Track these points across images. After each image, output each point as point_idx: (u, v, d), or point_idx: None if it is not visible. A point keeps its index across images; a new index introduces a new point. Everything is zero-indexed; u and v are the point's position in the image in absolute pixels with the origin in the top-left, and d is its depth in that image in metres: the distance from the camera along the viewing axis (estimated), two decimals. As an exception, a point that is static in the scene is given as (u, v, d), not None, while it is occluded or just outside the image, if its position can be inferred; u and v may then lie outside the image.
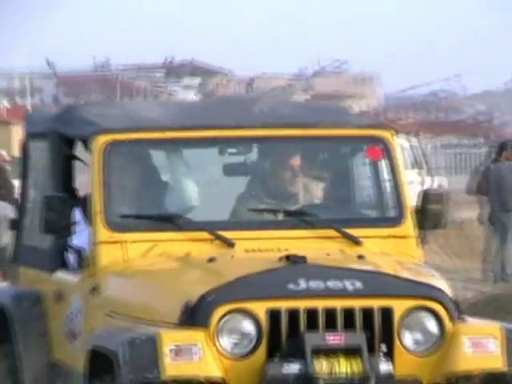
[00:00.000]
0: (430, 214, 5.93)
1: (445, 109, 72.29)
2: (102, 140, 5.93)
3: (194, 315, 4.94)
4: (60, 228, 5.93)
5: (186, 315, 4.97)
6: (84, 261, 6.01)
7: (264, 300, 4.93)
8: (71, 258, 6.39)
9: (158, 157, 6.27)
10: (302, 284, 4.96)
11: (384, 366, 4.73)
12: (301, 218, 5.96)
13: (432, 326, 4.95)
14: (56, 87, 63.21)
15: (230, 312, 4.88)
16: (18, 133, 42.84)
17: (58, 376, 6.35)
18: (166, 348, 4.82)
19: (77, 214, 6.32)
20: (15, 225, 7.40)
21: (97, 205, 5.85)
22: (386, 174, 6.00)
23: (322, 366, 4.73)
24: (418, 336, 4.97)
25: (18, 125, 43.52)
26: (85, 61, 66.50)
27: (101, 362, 5.22)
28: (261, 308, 4.86)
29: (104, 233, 5.76)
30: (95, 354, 5.26)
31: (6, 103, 50.90)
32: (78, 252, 6.15)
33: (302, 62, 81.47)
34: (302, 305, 4.87)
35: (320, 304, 4.85)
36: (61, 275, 6.44)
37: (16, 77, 58.58)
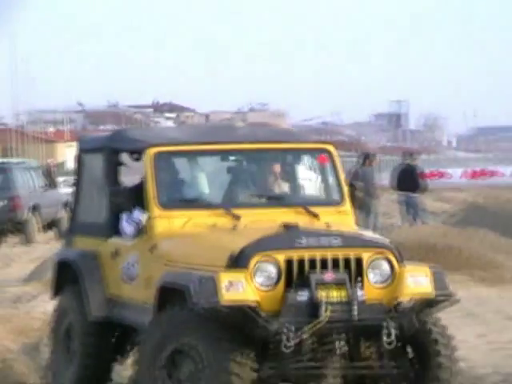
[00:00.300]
0: (357, 199, 7.04)
1: (330, 133, 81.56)
2: (152, 151, 6.62)
3: (237, 261, 5.64)
4: (122, 208, 6.65)
5: (231, 262, 5.65)
6: (141, 230, 6.59)
7: (282, 251, 5.67)
8: (127, 228, 6.83)
9: (183, 161, 7.00)
10: (304, 241, 5.70)
11: (360, 294, 5.57)
12: (277, 201, 6.86)
13: (386, 268, 5.78)
14: (84, 119, 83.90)
15: (260, 259, 5.64)
16: (60, 148, 58.96)
17: (114, 306, 6.87)
18: (222, 283, 5.52)
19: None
20: (69, 206, 8.56)
21: (151, 193, 6.52)
22: (330, 172, 6.89)
23: (322, 294, 5.51)
24: (378, 274, 5.77)
25: (59, 143, 60.31)
26: (102, 102, 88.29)
27: (163, 295, 5.98)
28: (280, 257, 5.63)
29: (157, 211, 6.45)
30: (162, 289, 5.98)
31: (51, 129, 70.70)
32: (136, 223, 6.68)
33: (240, 103, 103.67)
34: (306, 254, 5.64)
35: (317, 254, 5.64)
36: (115, 240, 6.97)
37: (58, 112, 76.22)
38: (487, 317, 10.63)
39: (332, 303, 5.53)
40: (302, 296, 5.57)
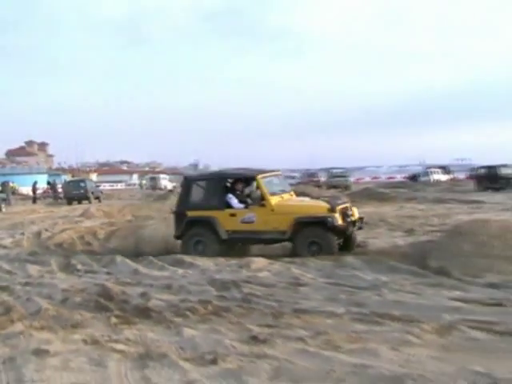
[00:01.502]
0: None
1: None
2: (259, 176, 11.70)
3: (332, 210, 10.95)
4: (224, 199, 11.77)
5: (330, 210, 10.94)
6: (254, 204, 11.39)
7: (339, 205, 11.25)
8: (235, 204, 11.61)
9: (265, 179, 11.73)
10: (340, 201, 11.71)
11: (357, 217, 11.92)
12: (284, 192, 11.98)
13: (351, 208, 11.78)
14: (97, 165, 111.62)
15: (338, 208, 11.06)
16: (90, 174, 76.38)
17: (230, 234, 11.48)
18: (336, 217, 10.88)
19: (232, 196, 11.74)
20: (180, 197, 12.36)
21: (265, 190, 11.38)
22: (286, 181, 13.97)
23: (351, 217, 11.28)
24: (351, 211, 11.72)
25: (90, 173, 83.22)
26: (103, 159, 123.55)
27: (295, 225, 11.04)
28: (340, 207, 11.19)
29: (269, 196, 11.36)
30: (296, 223, 10.99)
31: (88, 168, 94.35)
32: (242, 202, 11.66)
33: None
34: (343, 205, 11.40)
35: (344, 205, 11.46)
36: (229, 210, 11.59)
37: (88, 162, 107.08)
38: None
39: (354, 220, 11.40)
40: (347, 218, 11.10)
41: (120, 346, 5.40)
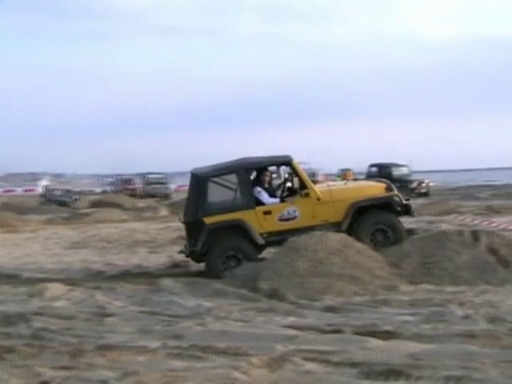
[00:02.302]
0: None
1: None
2: (294, 162, 10.68)
3: (390, 190, 10.59)
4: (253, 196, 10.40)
5: (387, 190, 10.57)
6: (294, 196, 10.57)
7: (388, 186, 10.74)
8: (267, 200, 10.58)
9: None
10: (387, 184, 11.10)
11: None
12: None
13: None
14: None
15: (393, 187, 10.73)
16: None
17: (268, 236, 10.46)
18: (399, 196, 10.45)
19: (260, 189, 10.62)
20: (191, 201, 10.95)
21: (305, 178, 10.76)
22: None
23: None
24: None
25: None
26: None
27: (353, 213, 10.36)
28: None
29: (311, 185, 10.61)
30: (353, 209, 10.36)
31: None
32: (273, 196, 10.72)
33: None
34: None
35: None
36: (262, 207, 10.49)
37: None
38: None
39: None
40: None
41: None
